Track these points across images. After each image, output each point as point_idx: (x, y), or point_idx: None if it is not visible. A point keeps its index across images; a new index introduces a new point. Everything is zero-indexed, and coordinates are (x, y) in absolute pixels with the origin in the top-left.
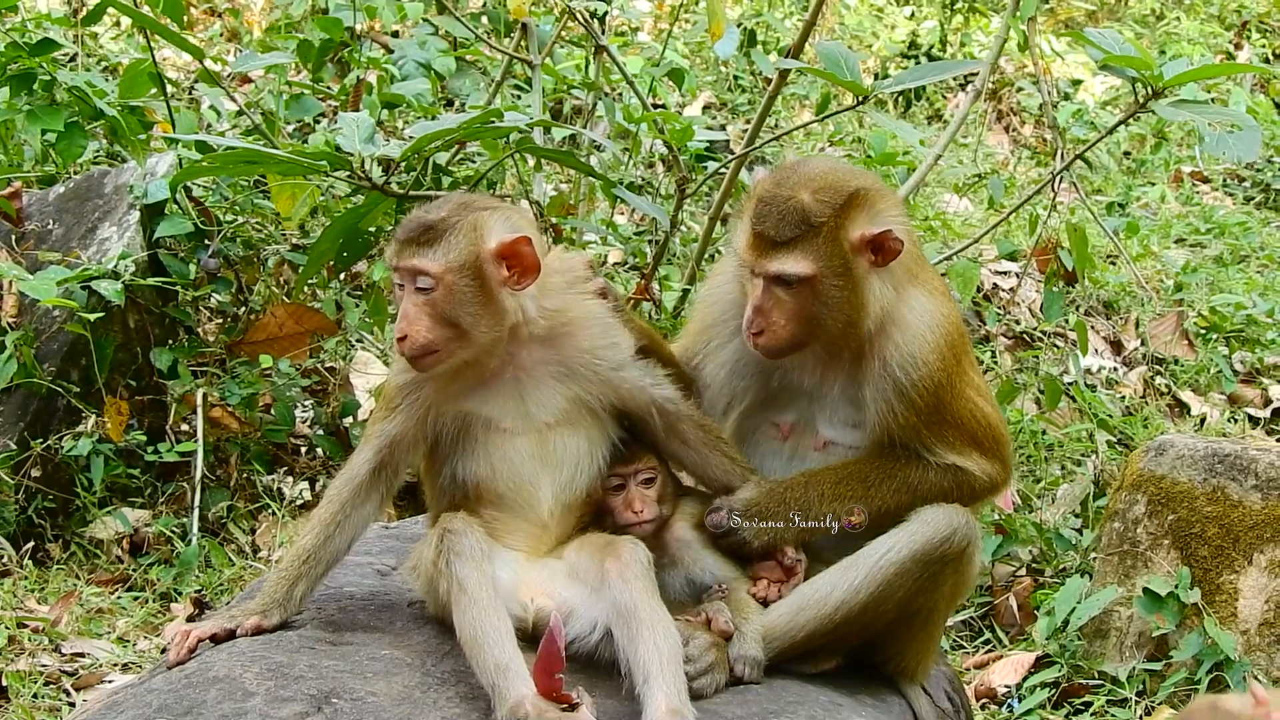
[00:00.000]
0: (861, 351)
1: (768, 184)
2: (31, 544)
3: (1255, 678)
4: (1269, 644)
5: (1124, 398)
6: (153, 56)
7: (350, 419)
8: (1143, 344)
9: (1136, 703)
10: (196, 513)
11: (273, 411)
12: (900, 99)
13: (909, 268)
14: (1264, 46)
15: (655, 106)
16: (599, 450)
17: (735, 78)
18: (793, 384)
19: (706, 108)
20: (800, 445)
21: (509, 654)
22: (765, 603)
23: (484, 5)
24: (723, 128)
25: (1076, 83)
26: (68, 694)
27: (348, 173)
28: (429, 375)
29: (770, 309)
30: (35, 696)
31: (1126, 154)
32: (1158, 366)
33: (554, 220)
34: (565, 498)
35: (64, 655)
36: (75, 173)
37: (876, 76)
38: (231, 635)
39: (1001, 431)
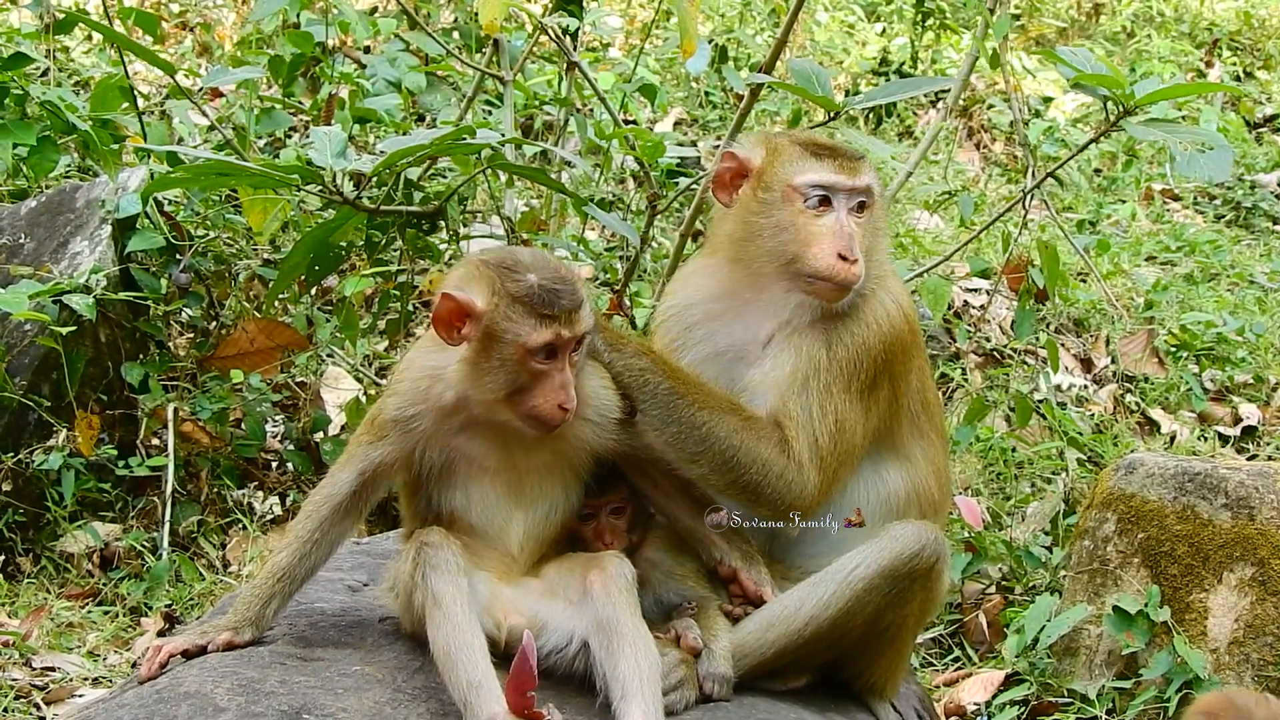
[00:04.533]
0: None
1: (795, 135)
2: (2, 558)
3: None
4: (1238, 663)
5: (1094, 415)
6: (125, 71)
7: (321, 434)
8: (1113, 362)
9: None
10: (167, 527)
11: (243, 426)
12: (872, 115)
13: None
14: (1235, 64)
15: (627, 122)
16: (572, 491)
17: (707, 94)
18: (737, 352)
19: (678, 124)
20: None
21: (482, 671)
22: (734, 620)
23: (456, 21)
24: (694, 144)
25: (1048, 100)
26: (38, 708)
27: (319, 187)
28: (429, 410)
29: (854, 234)
30: (5, 710)
31: (1098, 171)
32: (1128, 384)
33: (525, 236)
34: (536, 533)
35: (34, 669)
36: (47, 187)
37: (848, 93)
38: (203, 651)
39: (846, 459)
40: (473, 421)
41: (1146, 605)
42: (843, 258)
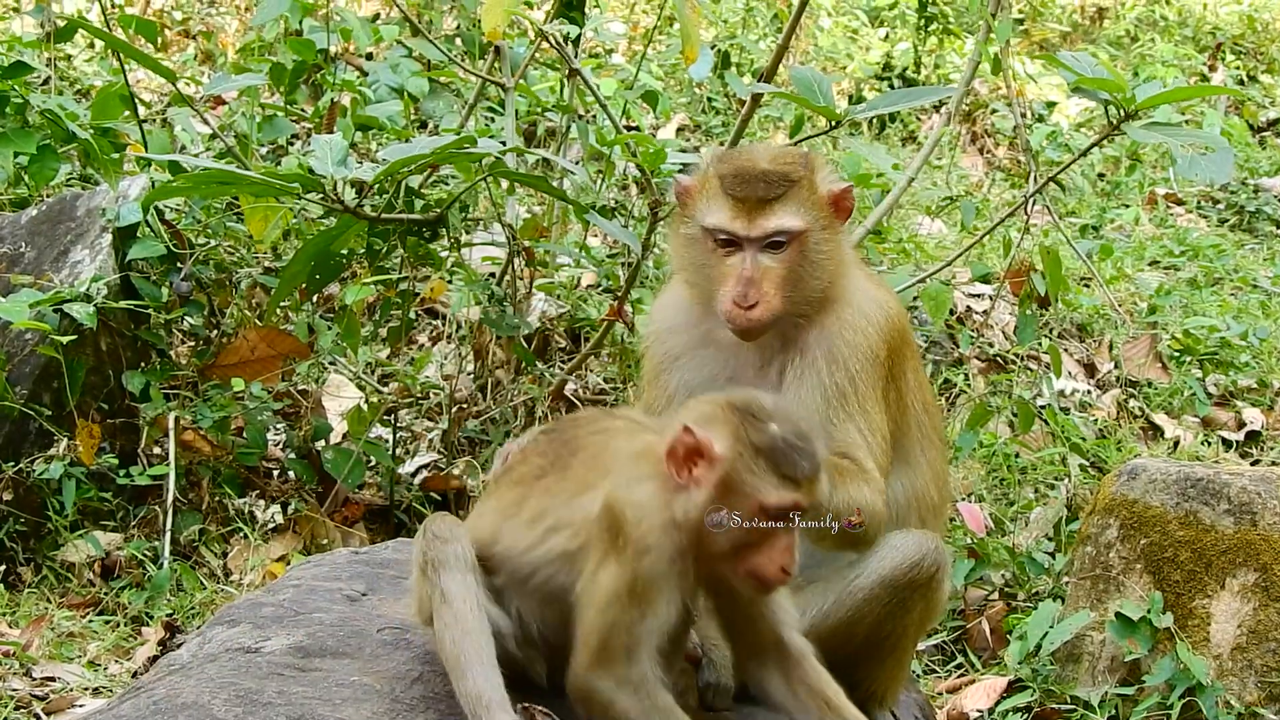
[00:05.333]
0: (809, 326)
1: (724, 165)
2: (3, 567)
3: (1228, 703)
4: (1241, 669)
5: (1097, 421)
6: (125, 79)
7: (322, 442)
8: (1116, 367)
9: None
10: (168, 536)
11: (245, 435)
12: (875, 122)
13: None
14: (1238, 68)
15: (629, 128)
16: None
17: (709, 100)
18: (736, 380)
19: (680, 130)
20: None
21: (491, 683)
22: None
23: (458, 28)
24: (696, 149)
25: (1051, 105)
26: (38, 718)
27: (320, 195)
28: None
29: (760, 278)
30: None
31: (1101, 176)
32: (1131, 390)
33: (527, 243)
34: None
35: (34, 679)
36: (48, 195)
37: (851, 99)
38: None
39: (873, 465)
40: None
41: (1149, 611)
42: (738, 305)
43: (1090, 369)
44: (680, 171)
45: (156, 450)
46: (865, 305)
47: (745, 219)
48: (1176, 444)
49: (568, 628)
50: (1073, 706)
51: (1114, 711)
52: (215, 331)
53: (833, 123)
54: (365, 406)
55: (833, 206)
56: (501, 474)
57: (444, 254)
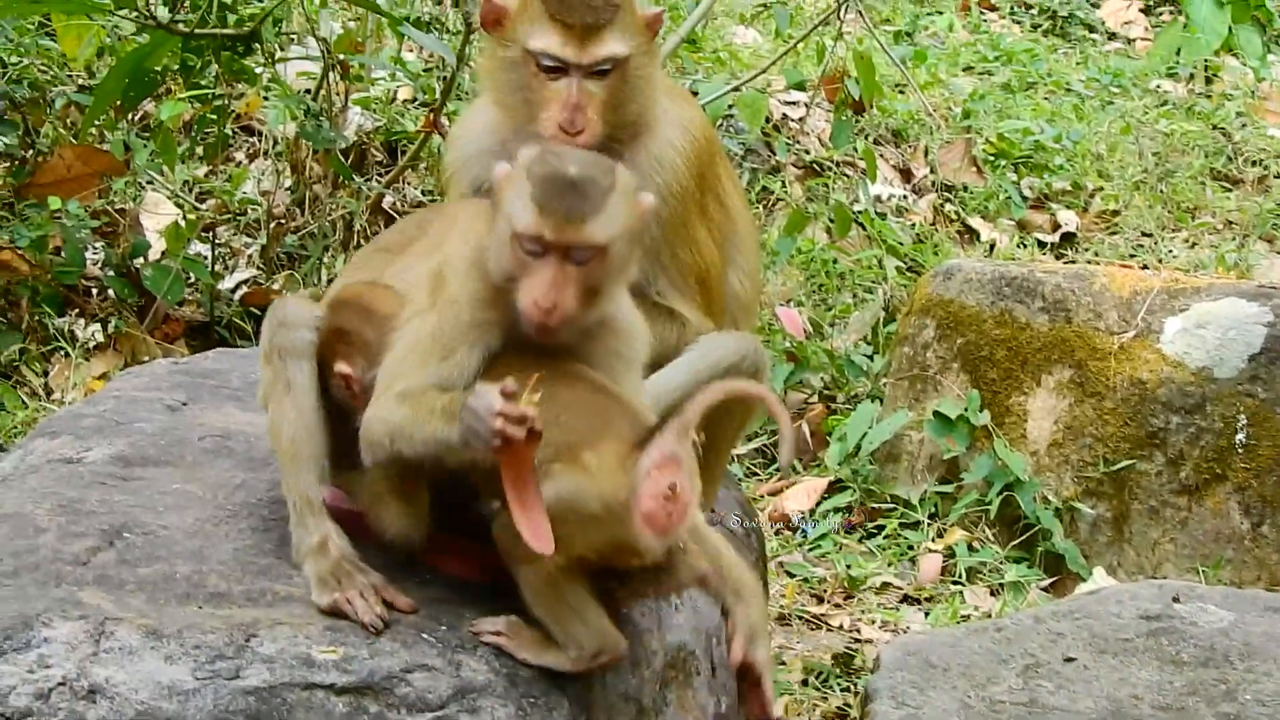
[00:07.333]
0: (620, 157)
1: None
2: None
3: (1045, 499)
4: (1058, 464)
5: (914, 225)
6: None
7: (141, 259)
8: (931, 171)
9: (929, 525)
10: None
11: (63, 254)
12: None
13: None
14: None
15: None
16: None
17: None
18: None
19: None
20: None
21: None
22: None
23: None
24: None
25: None
26: None
27: (133, 12)
28: None
29: (586, 104)
30: None
31: None
32: (947, 194)
33: (342, 57)
34: None
35: None
36: None
37: None
38: None
39: (724, 286)
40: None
41: (966, 410)
42: (564, 130)
43: (906, 174)
44: None
45: None
46: (672, 134)
47: (576, 45)
48: (993, 247)
49: None
50: (893, 505)
51: (933, 509)
52: (30, 151)
53: None
54: (183, 223)
55: (650, 30)
56: (369, 245)
57: (259, 69)
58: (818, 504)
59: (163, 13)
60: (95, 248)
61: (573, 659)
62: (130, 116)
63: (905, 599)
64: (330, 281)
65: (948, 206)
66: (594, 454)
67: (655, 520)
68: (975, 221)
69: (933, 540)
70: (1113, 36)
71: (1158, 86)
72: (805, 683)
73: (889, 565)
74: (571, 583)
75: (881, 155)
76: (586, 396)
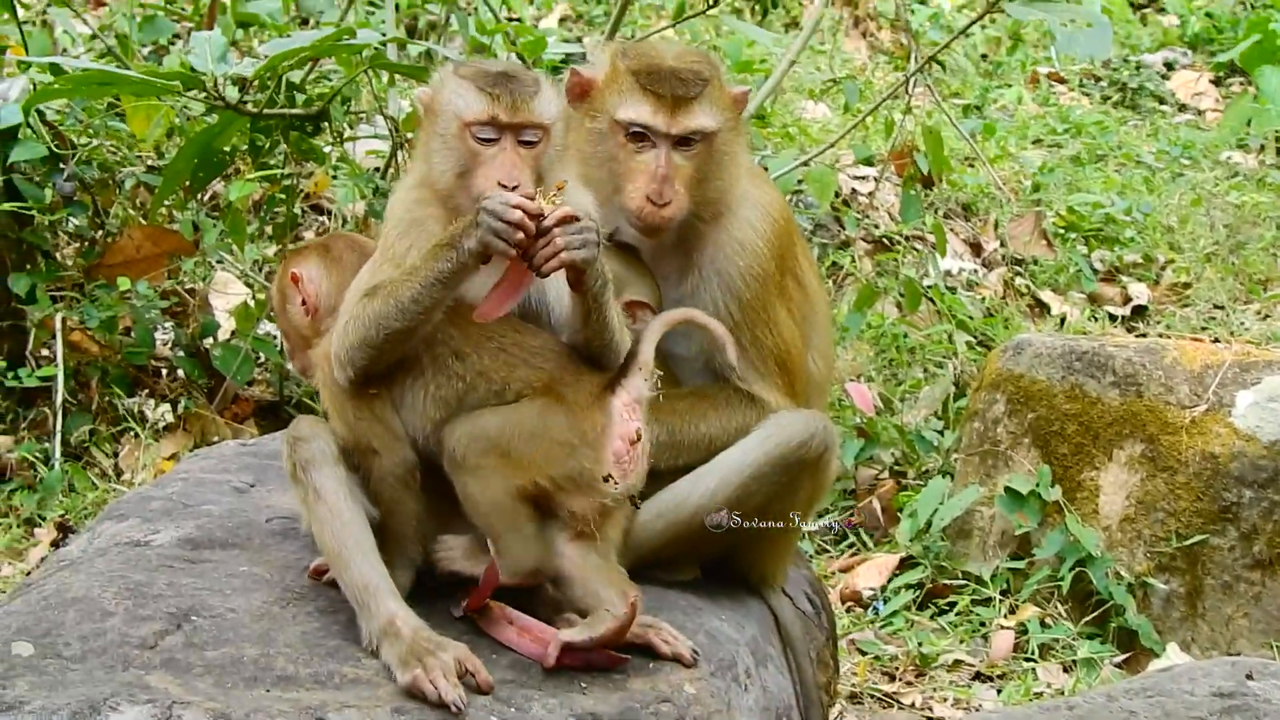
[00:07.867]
0: (702, 237)
1: (635, 61)
2: None
3: (1118, 574)
4: (1130, 539)
5: (984, 299)
6: None
7: (210, 339)
8: (1002, 245)
9: (1001, 601)
10: (59, 437)
11: (132, 334)
12: (756, 7)
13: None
14: None
15: (510, 19)
16: None
17: None
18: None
19: (563, 20)
20: None
21: (376, 570)
22: None
23: None
24: (579, 40)
25: None
26: None
27: (202, 93)
28: None
29: (673, 175)
30: None
31: (984, 57)
32: (1017, 267)
33: (409, 136)
34: None
35: None
36: None
37: None
38: None
39: (805, 367)
40: None
41: (1038, 485)
42: (651, 201)
43: (976, 248)
44: (562, 62)
45: (44, 352)
46: (752, 216)
47: (666, 115)
48: (1063, 320)
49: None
50: (964, 581)
51: (1005, 585)
52: (100, 231)
53: (712, 2)
54: (252, 303)
55: (736, 107)
56: None
57: (327, 149)
58: (889, 580)
59: (231, 93)
60: (165, 328)
61: (506, 569)
62: (199, 196)
63: (977, 676)
64: None
65: (1018, 280)
66: (571, 390)
67: (620, 460)
68: (1046, 295)
69: (1005, 617)
70: (1183, 108)
71: (1228, 158)
72: None
73: (961, 642)
74: (517, 505)
75: (951, 229)
76: (552, 344)
